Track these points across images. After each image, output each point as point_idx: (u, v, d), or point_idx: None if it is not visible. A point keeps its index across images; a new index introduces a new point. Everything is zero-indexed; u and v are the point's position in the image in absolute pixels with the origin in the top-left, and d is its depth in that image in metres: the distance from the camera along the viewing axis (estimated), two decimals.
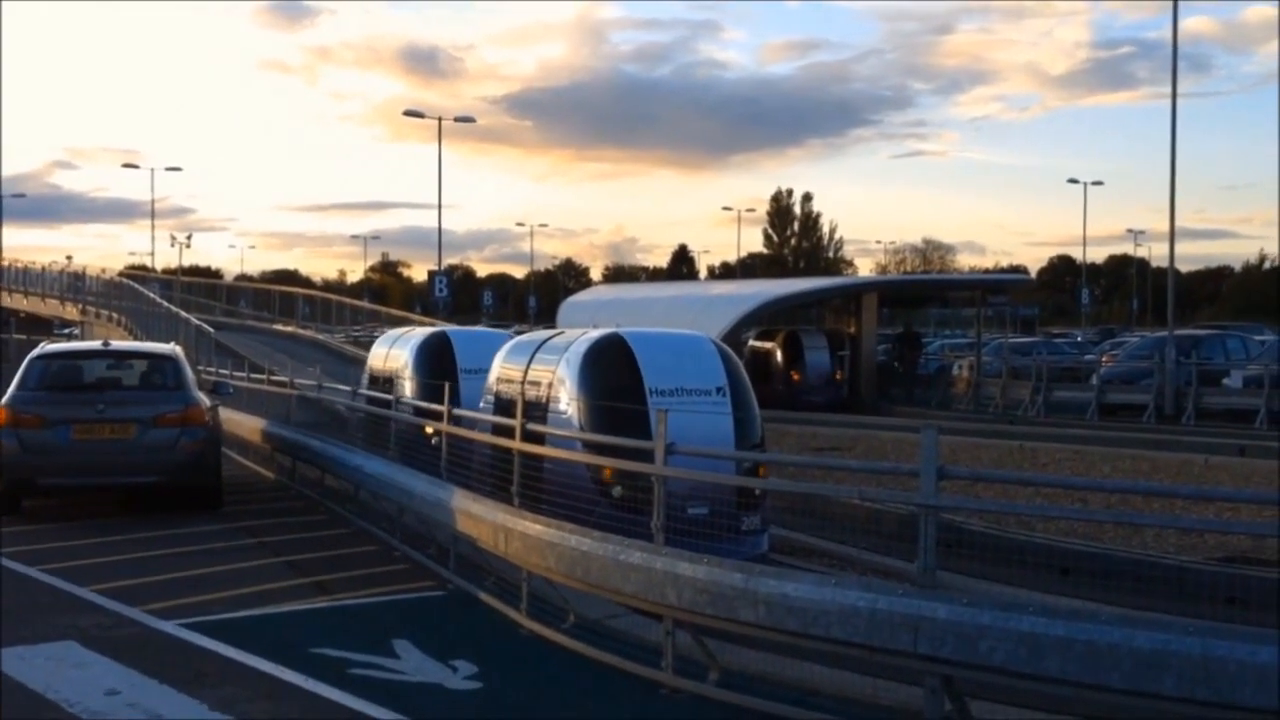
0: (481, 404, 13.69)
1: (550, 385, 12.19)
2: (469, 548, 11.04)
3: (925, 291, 46.95)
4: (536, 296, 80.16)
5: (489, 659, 8.88)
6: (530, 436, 10.50)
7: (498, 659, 8.97)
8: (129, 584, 11.05)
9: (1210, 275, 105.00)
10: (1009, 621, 6.48)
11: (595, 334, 12.40)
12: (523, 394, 12.01)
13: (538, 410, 11.98)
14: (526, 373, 12.79)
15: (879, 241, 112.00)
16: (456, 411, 12.45)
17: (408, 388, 16.59)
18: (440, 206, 51.10)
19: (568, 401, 11.88)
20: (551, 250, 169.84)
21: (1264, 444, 21.70)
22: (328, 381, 19.86)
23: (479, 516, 10.39)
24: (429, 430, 12.93)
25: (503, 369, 13.53)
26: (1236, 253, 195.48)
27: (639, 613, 9.12)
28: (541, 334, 13.97)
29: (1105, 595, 10.42)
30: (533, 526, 9.47)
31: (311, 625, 9.90)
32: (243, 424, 19.88)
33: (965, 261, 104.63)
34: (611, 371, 11.87)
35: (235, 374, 23.68)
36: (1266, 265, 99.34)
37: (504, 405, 12.70)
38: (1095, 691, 6.27)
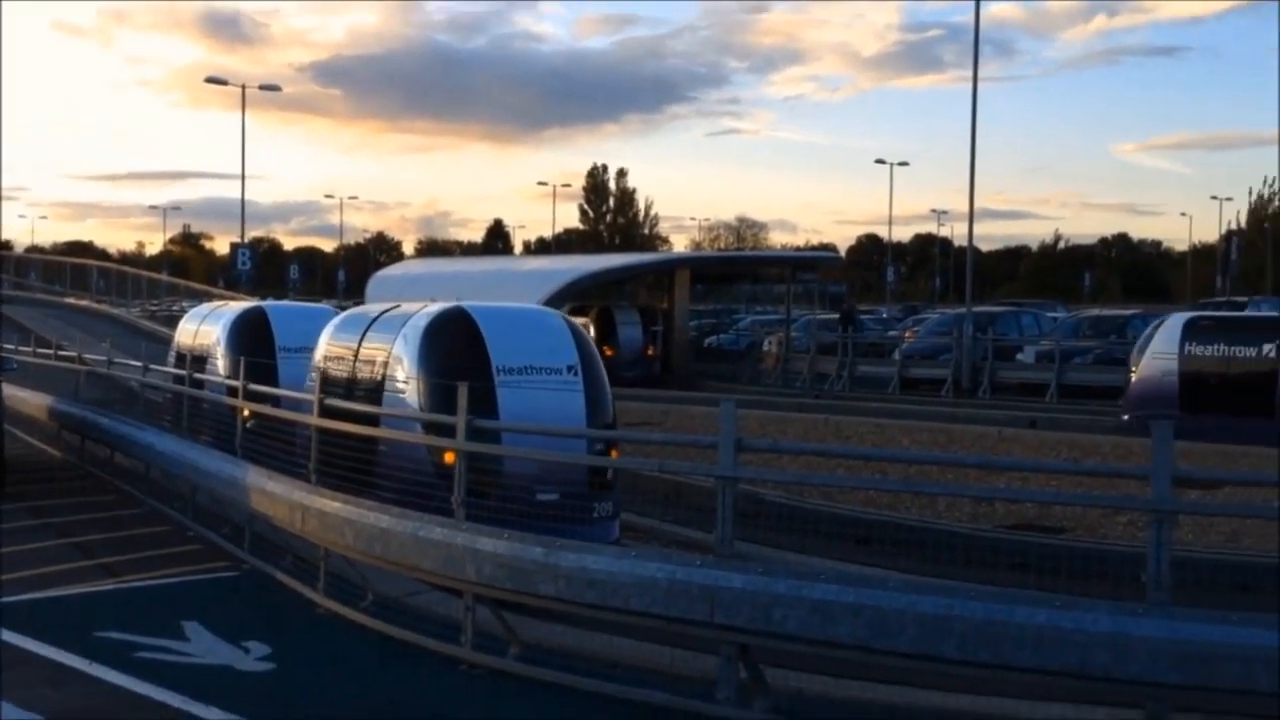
0: (308, 381, 12.73)
1: (386, 363, 11.42)
2: (266, 527, 10.76)
3: (737, 269, 47.57)
4: (346, 271, 78.63)
5: (283, 639, 8.70)
6: (355, 416, 10.15)
7: (292, 639, 8.79)
8: None
9: (1009, 254, 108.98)
10: (802, 590, 6.60)
11: (436, 308, 11.63)
12: (354, 372, 11.50)
13: (372, 390, 11.38)
14: (359, 350, 12.00)
15: (694, 219, 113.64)
16: (253, 387, 12.09)
17: (220, 366, 15.81)
18: (243, 177, 49.35)
19: (405, 380, 11.12)
20: (362, 224, 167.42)
21: (1054, 416, 22.65)
22: (119, 357, 19.12)
23: (275, 495, 10.12)
24: (246, 412, 12.32)
25: (331, 346, 12.64)
26: (1034, 233, 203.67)
27: (440, 589, 9.01)
28: (374, 308, 13.09)
29: (902, 563, 10.68)
30: (330, 504, 9.26)
31: (97, 608, 9.56)
32: (28, 401, 19.06)
33: (777, 239, 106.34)
34: (454, 348, 11.13)
35: (21, 349, 22.68)
36: (1061, 245, 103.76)
37: (333, 385, 11.84)
38: (884, 656, 6.43)
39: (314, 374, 12.55)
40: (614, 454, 11.30)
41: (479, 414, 9.71)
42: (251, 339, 15.44)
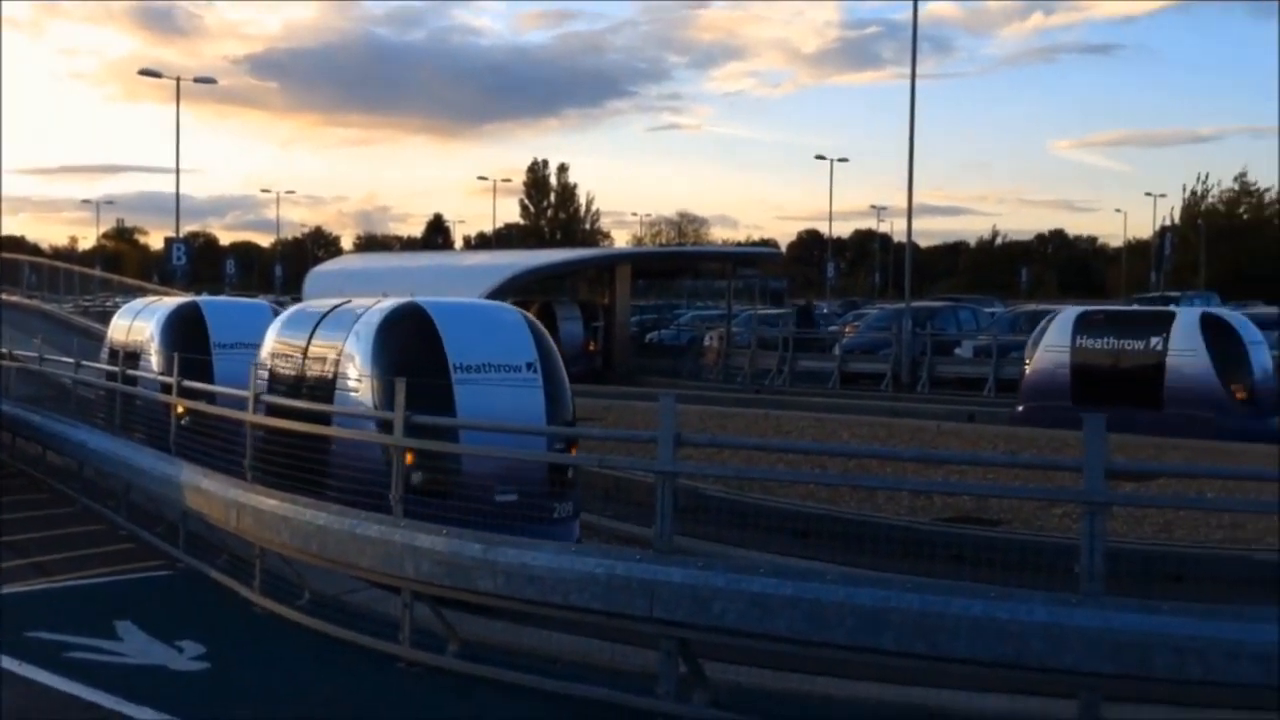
0: (253, 380, 12.64)
1: (337, 361, 11.01)
2: (201, 525, 10.62)
3: (678, 264, 47.63)
4: (283, 266, 77.85)
5: (218, 638, 8.60)
6: (300, 414, 9.97)
7: (227, 638, 8.69)
8: None
9: (948, 250, 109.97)
10: (741, 584, 6.60)
11: (389, 304, 11.22)
12: (303, 370, 11.20)
13: (323, 388, 11.02)
14: (308, 347, 11.58)
15: (635, 214, 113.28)
16: (187, 384, 11.93)
17: (154, 362, 15.56)
18: (178, 171, 48.83)
19: (358, 379, 10.69)
20: (299, 218, 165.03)
21: (992, 410, 22.90)
22: (51, 353, 18.81)
23: (210, 492, 10.00)
24: (181, 410, 12.12)
25: (278, 343, 12.18)
26: (973, 229, 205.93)
27: (378, 586, 8.93)
28: (324, 303, 12.53)
29: (841, 556, 10.73)
30: (266, 501, 9.16)
31: (29, 608, 9.39)
32: None
33: (719, 235, 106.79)
34: (410, 345, 10.74)
35: None
36: (999, 241, 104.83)
37: (280, 383, 11.60)
38: (822, 648, 6.45)
39: (260, 371, 12.04)
40: (574, 451, 11.06)
41: (437, 413, 9.62)
42: (186, 335, 15.15)
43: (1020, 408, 20.95)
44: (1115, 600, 5.93)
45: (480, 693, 7.50)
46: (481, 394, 10.33)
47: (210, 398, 11.88)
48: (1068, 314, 21.28)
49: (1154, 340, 19.35)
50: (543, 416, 10.64)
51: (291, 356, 11.77)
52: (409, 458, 9.57)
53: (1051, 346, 20.63)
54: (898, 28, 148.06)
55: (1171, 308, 22.68)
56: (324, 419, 10.28)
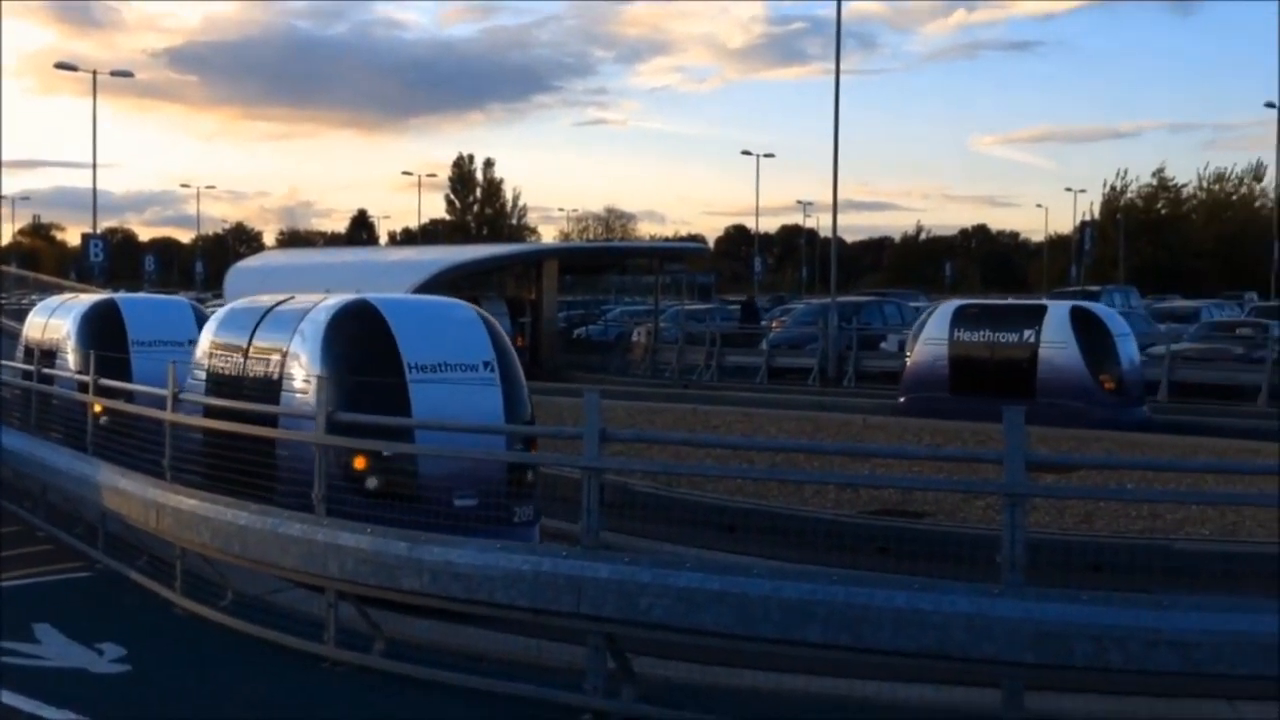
0: (190, 380, 11.72)
1: (282, 361, 10.51)
2: (120, 526, 10.45)
3: (605, 259, 47.63)
4: (204, 262, 76.79)
5: (139, 640, 8.49)
6: (243, 416, 9.73)
7: (149, 640, 8.58)
8: None
9: (873, 245, 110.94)
10: (667, 579, 6.61)
11: (337, 301, 10.73)
12: (244, 371, 10.81)
13: (266, 390, 10.54)
14: (249, 347, 11.06)
15: (562, 209, 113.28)
16: (104, 382, 11.71)
17: (70, 360, 15.25)
18: (95, 165, 48.21)
19: (305, 379, 10.11)
20: (220, 214, 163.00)
21: None
22: None
23: (128, 492, 9.83)
24: (99, 409, 11.88)
25: (216, 342, 11.66)
26: (898, 224, 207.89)
27: (303, 586, 8.83)
28: (264, 300, 11.94)
29: (769, 550, 10.77)
30: (186, 501, 9.03)
31: None
32: None
33: (646, 230, 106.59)
34: (361, 345, 10.29)
35: None
36: (923, 236, 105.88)
37: (220, 386, 11.09)
38: (749, 642, 6.48)
39: (196, 371, 11.76)
40: (534, 449, 10.74)
41: (391, 414, 9.40)
42: (103, 333, 14.82)
43: (901, 399, 21.49)
44: (1036, 590, 6.00)
45: (407, 691, 7.45)
46: (438, 394, 9.93)
47: (129, 396, 11.67)
48: (946, 307, 21.93)
49: (1027, 333, 20.00)
50: (501, 417, 10.32)
51: (231, 356, 11.33)
52: (361, 462, 9.48)
53: (930, 339, 21.25)
54: (823, 24, 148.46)
55: (1043, 301, 23.27)
56: (267, 420, 9.90)
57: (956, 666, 6.18)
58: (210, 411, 10.41)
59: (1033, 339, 19.86)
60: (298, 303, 11.26)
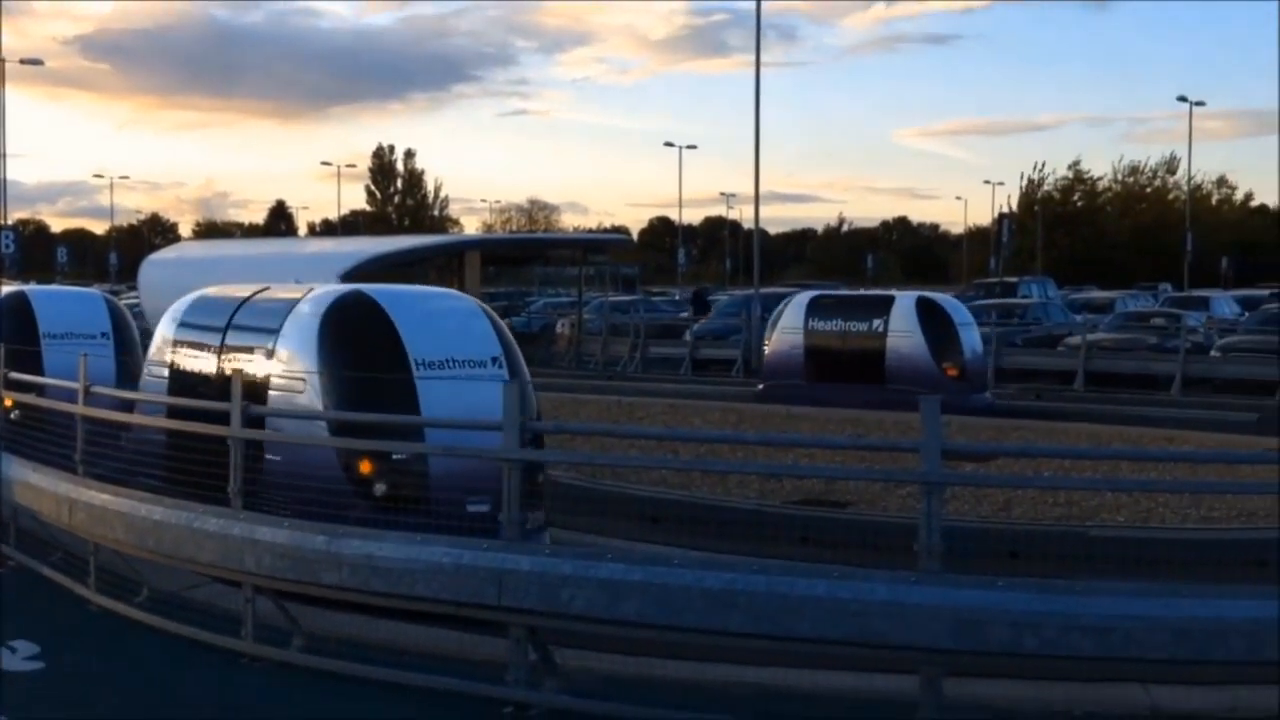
0: (149, 378, 11.24)
1: (268, 359, 9.82)
2: (32, 522, 10.23)
3: (528, 251, 47.46)
4: (118, 254, 75.49)
5: (52, 638, 8.33)
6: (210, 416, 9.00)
7: (63, 637, 8.42)
8: None
9: (796, 237, 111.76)
10: (589, 570, 6.61)
11: (328, 292, 10.11)
12: (218, 369, 10.20)
13: (248, 389, 9.32)
14: (222, 343, 10.36)
15: (485, 200, 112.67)
16: (14, 376, 11.46)
17: None
18: (4, 155, 47.01)
19: (297, 378, 9.56)
20: (135, 204, 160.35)
21: None
22: None
23: (40, 487, 9.63)
24: (9, 403, 11.61)
25: (181, 338, 10.92)
26: (820, 216, 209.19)
27: (220, 581, 8.69)
28: (234, 291, 11.11)
29: (694, 541, 10.80)
30: (99, 496, 8.86)
31: None
32: None
33: (569, 221, 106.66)
34: (364, 340, 9.68)
35: None
36: (845, 229, 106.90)
37: (188, 383, 10.41)
38: (672, 631, 6.49)
39: (159, 370, 11.08)
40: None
41: (400, 413, 9.06)
42: (13, 326, 14.51)
43: (760, 386, 22.35)
44: (953, 577, 6.07)
45: (326, 686, 7.37)
46: (446, 392, 9.42)
47: (40, 390, 11.43)
48: (801, 298, 22.88)
49: (875, 322, 20.95)
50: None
51: (201, 354, 10.63)
52: (367, 466, 9.01)
53: (787, 329, 22.09)
54: (744, 16, 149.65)
55: (892, 292, 24.01)
56: (220, 418, 8.87)
57: (876, 654, 6.24)
58: (176, 413, 9.76)
59: (881, 328, 20.79)
60: (278, 293, 10.63)
